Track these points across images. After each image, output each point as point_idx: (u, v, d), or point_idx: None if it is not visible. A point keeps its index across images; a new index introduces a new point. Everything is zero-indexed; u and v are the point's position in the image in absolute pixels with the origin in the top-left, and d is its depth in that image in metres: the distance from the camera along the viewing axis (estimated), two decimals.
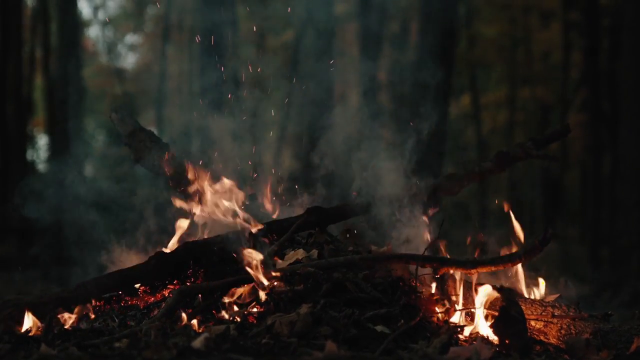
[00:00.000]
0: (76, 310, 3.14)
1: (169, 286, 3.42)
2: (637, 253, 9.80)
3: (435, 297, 3.18)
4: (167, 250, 3.56)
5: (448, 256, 3.46)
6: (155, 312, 3.10)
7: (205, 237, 3.65)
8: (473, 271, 3.21)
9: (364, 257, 3.24)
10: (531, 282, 3.74)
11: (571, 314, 3.28)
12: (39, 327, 2.97)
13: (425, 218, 3.76)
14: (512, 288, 3.60)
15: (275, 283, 3.07)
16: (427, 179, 3.91)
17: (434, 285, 3.33)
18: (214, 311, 3.03)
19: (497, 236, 3.75)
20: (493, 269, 3.38)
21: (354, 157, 4.03)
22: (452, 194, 4.07)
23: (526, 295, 3.60)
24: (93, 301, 3.24)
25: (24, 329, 3.00)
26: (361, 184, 4.01)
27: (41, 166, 19.16)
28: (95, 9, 21.04)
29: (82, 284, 3.28)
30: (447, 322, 3.07)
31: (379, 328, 2.81)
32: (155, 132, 4.28)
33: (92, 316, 3.17)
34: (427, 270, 3.27)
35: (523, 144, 4.02)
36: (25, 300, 3.08)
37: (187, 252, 3.44)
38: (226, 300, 3.06)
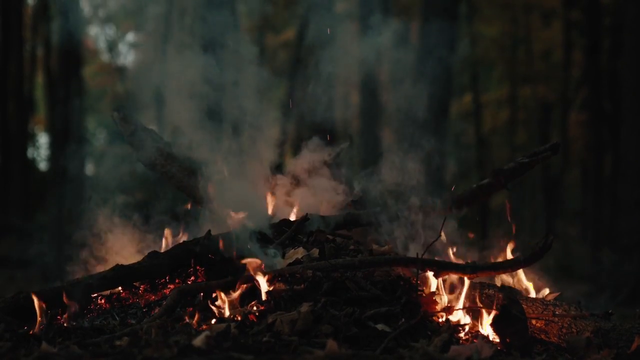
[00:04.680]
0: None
1: (169, 285, 3.42)
2: (638, 252, 9.78)
3: (436, 296, 3.18)
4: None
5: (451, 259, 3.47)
6: (156, 311, 3.09)
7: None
8: (473, 276, 3.24)
9: (364, 259, 3.24)
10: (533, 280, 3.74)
11: (572, 312, 3.28)
12: (40, 325, 2.96)
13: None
14: (513, 287, 3.61)
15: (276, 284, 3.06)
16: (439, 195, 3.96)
17: (434, 283, 3.33)
18: (214, 309, 3.03)
19: (498, 235, 3.75)
20: (493, 274, 3.39)
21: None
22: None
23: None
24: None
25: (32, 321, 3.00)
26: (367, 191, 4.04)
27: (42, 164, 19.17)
28: (97, 8, 21.03)
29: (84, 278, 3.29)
30: (448, 320, 3.07)
31: (379, 326, 2.81)
32: (157, 130, 4.29)
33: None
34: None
35: (514, 159, 4.11)
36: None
37: (187, 251, 3.44)
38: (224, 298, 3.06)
